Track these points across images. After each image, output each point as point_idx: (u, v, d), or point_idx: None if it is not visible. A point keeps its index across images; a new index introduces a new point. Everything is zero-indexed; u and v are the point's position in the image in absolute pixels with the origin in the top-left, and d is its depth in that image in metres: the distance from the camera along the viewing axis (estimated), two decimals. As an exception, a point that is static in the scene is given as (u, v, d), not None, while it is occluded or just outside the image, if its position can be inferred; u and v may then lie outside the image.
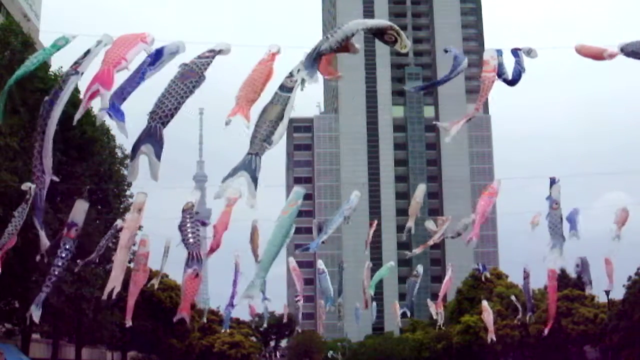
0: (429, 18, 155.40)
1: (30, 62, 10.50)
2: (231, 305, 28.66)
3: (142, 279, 16.21)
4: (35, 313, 14.34)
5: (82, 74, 9.90)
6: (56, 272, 14.51)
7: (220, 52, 9.73)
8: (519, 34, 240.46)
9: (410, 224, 19.19)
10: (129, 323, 17.14)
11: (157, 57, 9.68)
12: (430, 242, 19.41)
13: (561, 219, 15.79)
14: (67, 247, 14.59)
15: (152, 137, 8.51)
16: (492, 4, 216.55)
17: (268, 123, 8.93)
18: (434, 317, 36.08)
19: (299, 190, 11.78)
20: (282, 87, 9.18)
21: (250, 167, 8.66)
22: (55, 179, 10.33)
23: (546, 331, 27.55)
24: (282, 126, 8.90)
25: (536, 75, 11.42)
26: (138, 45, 9.43)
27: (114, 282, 15.75)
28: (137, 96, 9.45)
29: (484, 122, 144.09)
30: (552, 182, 15.97)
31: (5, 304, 31.90)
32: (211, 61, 9.62)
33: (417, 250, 19.99)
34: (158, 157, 8.50)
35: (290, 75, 9.16)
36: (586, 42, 11.75)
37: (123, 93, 9.23)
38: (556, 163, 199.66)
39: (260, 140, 8.78)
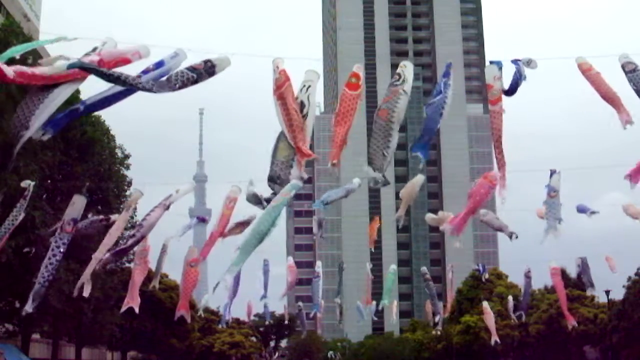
0: (429, 18, 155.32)
1: (20, 47, 10.52)
2: (230, 299, 28.69)
3: (143, 270, 16.29)
4: (29, 305, 14.30)
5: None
6: (50, 267, 14.43)
7: (223, 68, 9.53)
8: (519, 34, 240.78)
9: (401, 212, 16.48)
10: (136, 305, 16.84)
11: (157, 68, 9.72)
12: (445, 224, 18.30)
13: (559, 206, 15.95)
14: (64, 241, 14.51)
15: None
16: (492, 3, 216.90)
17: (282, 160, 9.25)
18: (435, 320, 35.69)
19: (295, 182, 11.78)
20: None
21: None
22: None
23: (569, 325, 28.22)
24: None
25: (535, 74, 11.47)
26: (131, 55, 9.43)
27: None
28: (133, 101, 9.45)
29: (484, 122, 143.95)
30: (552, 173, 16.35)
31: (5, 304, 31.89)
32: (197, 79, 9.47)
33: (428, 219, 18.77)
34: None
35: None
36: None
37: (120, 96, 9.32)
38: (555, 162, 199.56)
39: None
